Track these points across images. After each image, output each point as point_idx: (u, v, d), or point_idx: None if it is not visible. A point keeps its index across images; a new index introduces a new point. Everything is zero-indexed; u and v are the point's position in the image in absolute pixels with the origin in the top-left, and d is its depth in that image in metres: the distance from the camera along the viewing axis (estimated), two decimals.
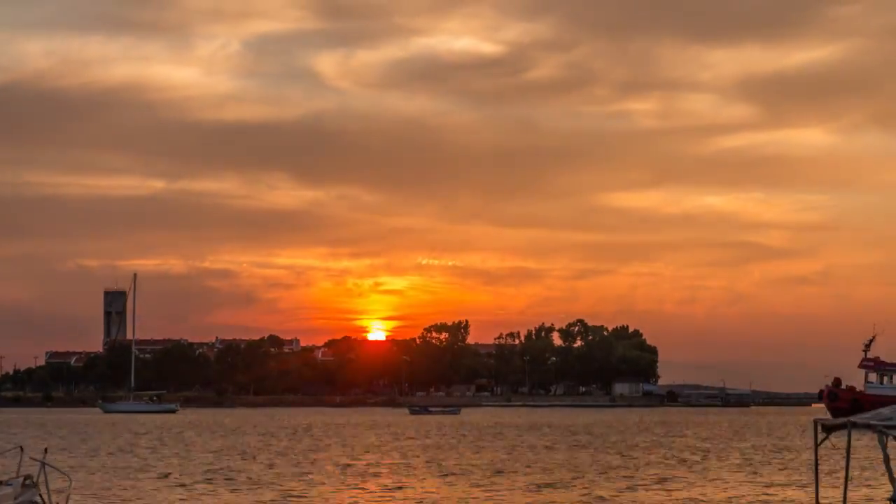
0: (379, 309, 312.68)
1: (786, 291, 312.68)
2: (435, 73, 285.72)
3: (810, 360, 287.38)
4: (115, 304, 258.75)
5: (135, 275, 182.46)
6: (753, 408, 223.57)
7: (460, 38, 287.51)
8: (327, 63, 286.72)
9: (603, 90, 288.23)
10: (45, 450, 21.59)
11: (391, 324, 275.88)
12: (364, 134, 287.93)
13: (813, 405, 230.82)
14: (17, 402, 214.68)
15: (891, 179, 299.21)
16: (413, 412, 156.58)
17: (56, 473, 21.39)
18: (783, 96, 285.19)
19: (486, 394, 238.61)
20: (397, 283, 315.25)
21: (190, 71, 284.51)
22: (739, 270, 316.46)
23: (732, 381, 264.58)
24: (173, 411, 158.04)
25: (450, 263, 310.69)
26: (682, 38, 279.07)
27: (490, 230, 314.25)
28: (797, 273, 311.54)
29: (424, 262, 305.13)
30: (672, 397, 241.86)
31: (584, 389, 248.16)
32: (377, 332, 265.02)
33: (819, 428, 20.75)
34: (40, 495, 19.93)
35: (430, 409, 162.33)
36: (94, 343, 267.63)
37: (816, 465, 21.41)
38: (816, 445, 20.80)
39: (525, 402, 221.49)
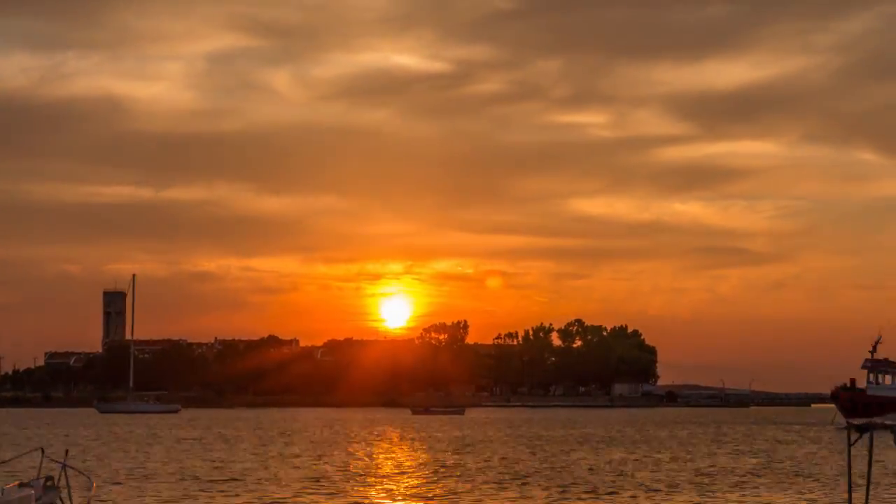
0: (374, 311, 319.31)
1: (768, 294, 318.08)
2: (386, 87, 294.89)
3: (809, 361, 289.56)
4: (114, 304, 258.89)
5: (133, 276, 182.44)
6: (753, 408, 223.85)
7: (405, 57, 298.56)
8: (285, 78, 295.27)
9: (550, 104, 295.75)
10: (66, 451, 21.45)
11: (389, 325, 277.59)
12: (326, 144, 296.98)
13: (813, 405, 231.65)
14: (16, 403, 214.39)
15: (822, 190, 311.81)
16: (415, 412, 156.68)
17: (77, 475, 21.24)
18: (725, 112, 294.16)
19: (485, 394, 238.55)
20: (385, 286, 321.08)
21: (157, 87, 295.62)
22: (721, 274, 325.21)
23: (732, 382, 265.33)
24: (175, 412, 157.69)
25: (428, 268, 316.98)
26: (626, 58, 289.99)
27: (460, 236, 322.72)
28: (777, 277, 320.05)
29: (404, 267, 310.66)
30: (671, 398, 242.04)
31: (583, 390, 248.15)
32: (376, 332, 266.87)
33: (852, 430, 20.79)
34: (60, 498, 19.73)
35: (432, 409, 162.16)
36: (94, 343, 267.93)
37: (850, 466, 21.40)
38: (849, 446, 20.82)
39: (524, 402, 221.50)
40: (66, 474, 19.97)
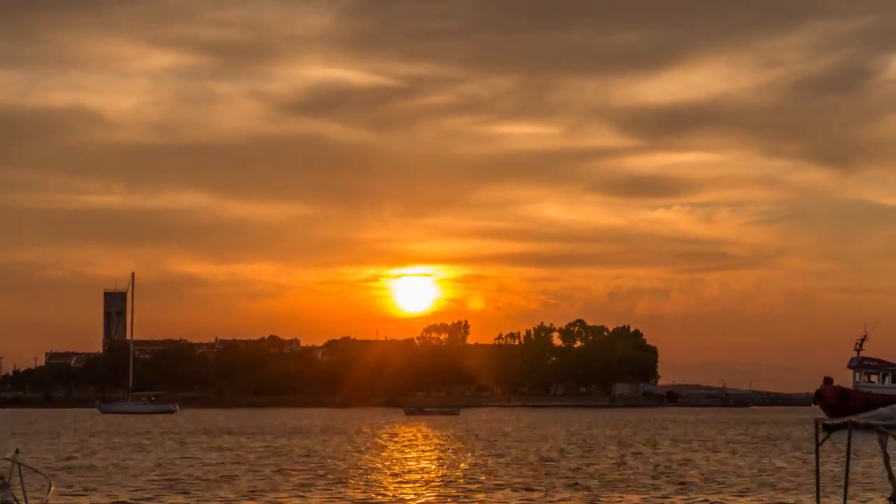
0: (373, 312, 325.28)
1: (752, 296, 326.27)
2: (335, 101, 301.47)
3: (809, 361, 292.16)
4: (115, 305, 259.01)
5: (132, 274, 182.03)
6: (753, 408, 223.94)
7: (350, 72, 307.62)
8: (241, 93, 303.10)
9: (499, 116, 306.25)
10: (17, 450, 20.88)
11: (389, 325, 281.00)
12: (285, 155, 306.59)
13: (813, 405, 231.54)
14: (16, 403, 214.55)
15: (783, 198, 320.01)
16: (408, 412, 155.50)
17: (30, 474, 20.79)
18: (671, 125, 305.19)
19: (486, 394, 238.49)
20: (379, 289, 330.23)
21: (127, 100, 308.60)
22: (702, 278, 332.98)
23: (732, 382, 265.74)
24: (172, 412, 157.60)
25: (411, 272, 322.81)
26: (573, 75, 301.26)
27: (432, 241, 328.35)
28: (758, 280, 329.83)
29: (385, 271, 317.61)
30: (672, 397, 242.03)
31: (583, 390, 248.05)
32: (377, 332, 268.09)
33: (819, 428, 20.60)
34: (13, 495, 19.31)
35: (426, 409, 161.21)
36: (94, 344, 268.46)
37: (818, 467, 21.23)
38: (818, 446, 20.65)
39: (525, 402, 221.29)
40: (20, 473, 19.48)
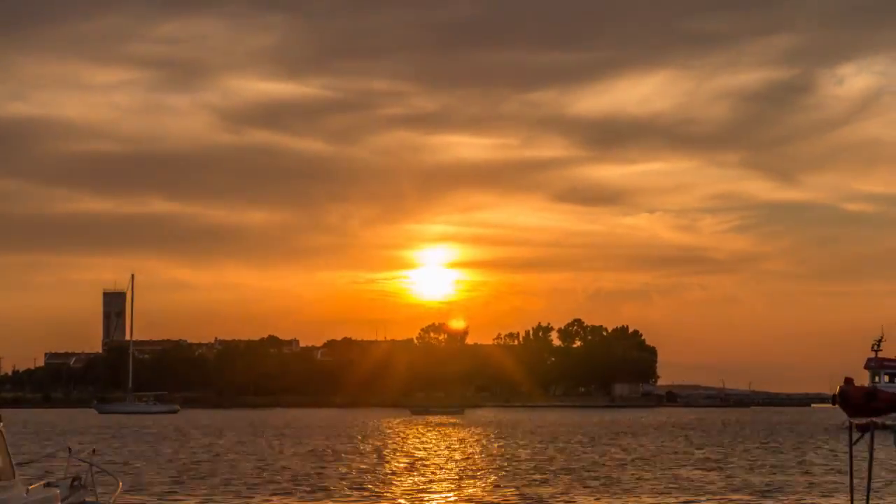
0: (371, 313, 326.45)
1: (732, 302, 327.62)
2: (288, 113, 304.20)
3: (809, 362, 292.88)
4: (115, 305, 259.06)
5: (132, 276, 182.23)
6: (753, 408, 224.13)
7: (296, 86, 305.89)
8: (199, 105, 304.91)
9: (450, 128, 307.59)
10: (94, 450, 21.33)
11: (388, 325, 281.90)
12: (258, 163, 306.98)
13: (813, 405, 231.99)
14: (16, 403, 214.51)
15: (722, 204, 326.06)
16: (414, 412, 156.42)
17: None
18: (620, 137, 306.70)
19: (484, 394, 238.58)
20: (374, 290, 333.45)
21: (87, 113, 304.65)
22: (685, 281, 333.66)
23: (732, 382, 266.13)
24: (174, 412, 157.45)
25: (393, 275, 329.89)
26: (524, 89, 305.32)
27: (410, 246, 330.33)
28: (737, 284, 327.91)
29: (365, 276, 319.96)
30: (671, 398, 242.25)
31: (583, 390, 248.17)
32: (376, 333, 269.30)
33: (854, 429, 20.72)
34: (87, 498, 19.62)
35: (431, 409, 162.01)
36: (94, 344, 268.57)
37: (851, 468, 21.31)
38: (851, 446, 20.75)
39: (524, 402, 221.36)
40: (92, 474, 19.83)
